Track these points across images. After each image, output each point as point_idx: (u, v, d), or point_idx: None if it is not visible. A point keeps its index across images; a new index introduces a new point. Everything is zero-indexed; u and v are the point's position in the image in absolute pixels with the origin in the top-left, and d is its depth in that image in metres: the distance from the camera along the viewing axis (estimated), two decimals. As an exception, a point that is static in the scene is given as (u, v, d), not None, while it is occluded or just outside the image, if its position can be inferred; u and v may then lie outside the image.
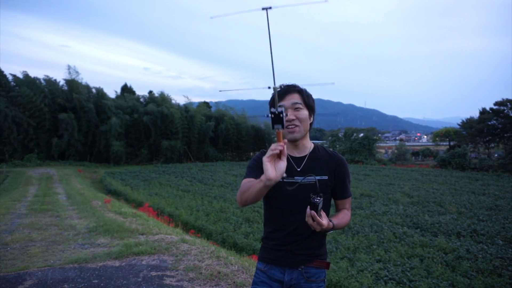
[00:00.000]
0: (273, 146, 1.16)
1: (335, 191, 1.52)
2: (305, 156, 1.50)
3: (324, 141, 38.90)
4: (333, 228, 1.37)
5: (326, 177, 1.47)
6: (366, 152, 31.03)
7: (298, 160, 1.49)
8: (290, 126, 1.43)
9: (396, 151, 35.32)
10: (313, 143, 1.56)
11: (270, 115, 1.15)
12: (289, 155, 1.49)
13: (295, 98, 1.44)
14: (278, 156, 1.17)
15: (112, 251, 3.93)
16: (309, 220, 1.26)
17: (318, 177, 1.44)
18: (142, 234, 4.85)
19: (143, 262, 3.58)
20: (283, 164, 1.17)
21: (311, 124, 1.52)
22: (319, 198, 1.27)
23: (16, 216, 6.61)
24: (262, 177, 1.18)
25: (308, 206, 1.25)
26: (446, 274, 5.00)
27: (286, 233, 1.48)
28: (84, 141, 27.15)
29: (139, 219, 6.21)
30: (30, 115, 25.07)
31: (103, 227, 5.24)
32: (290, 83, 1.51)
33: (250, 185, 1.32)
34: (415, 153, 39.57)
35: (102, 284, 3.01)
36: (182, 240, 4.43)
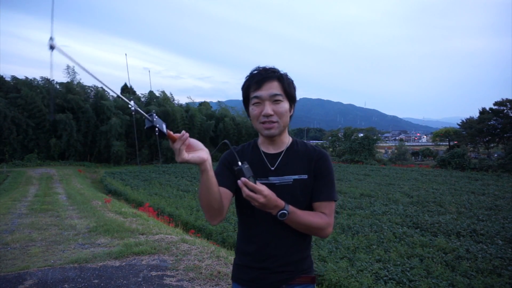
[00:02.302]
0: (176, 146, 0.98)
1: (312, 191, 1.24)
2: (281, 152, 1.27)
3: (324, 141, 38.90)
4: (288, 213, 1.10)
5: (305, 177, 1.23)
6: (366, 152, 31.06)
7: (273, 157, 1.26)
8: (267, 122, 1.20)
9: (396, 151, 35.35)
10: (291, 137, 1.33)
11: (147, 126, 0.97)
12: (263, 151, 1.28)
13: (274, 87, 1.18)
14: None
15: (112, 251, 3.93)
16: (244, 190, 1.05)
17: (296, 177, 1.22)
18: (142, 234, 4.85)
19: (143, 262, 3.58)
20: (193, 140, 1.04)
21: (291, 116, 1.27)
22: (240, 163, 1.09)
23: (17, 216, 6.61)
24: (201, 167, 1.03)
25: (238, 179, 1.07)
26: (445, 274, 5.01)
27: (259, 246, 1.24)
28: (83, 141, 27.17)
29: (139, 219, 6.22)
30: (29, 116, 25.11)
31: (103, 227, 5.24)
32: (268, 66, 1.23)
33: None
34: (415, 153, 39.63)
35: (102, 284, 3.02)
36: (182, 240, 4.43)
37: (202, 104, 38.21)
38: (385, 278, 4.86)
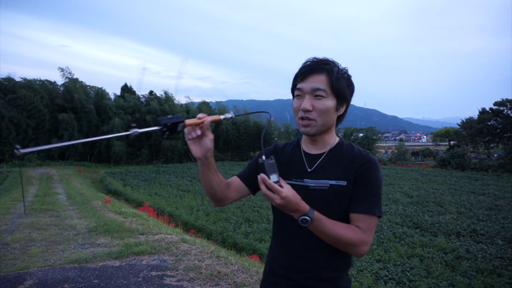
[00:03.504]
0: (186, 130, 1.06)
1: (350, 200, 1.08)
2: (323, 153, 1.14)
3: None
4: (311, 220, 0.98)
5: (344, 183, 1.08)
6: (366, 152, 31.13)
7: (313, 158, 1.15)
8: (304, 119, 1.09)
9: (396, 151, 35.37)
10: (339, 138, 1.20)
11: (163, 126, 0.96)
12: (304, 151, 1.18)
13: (319, 81, 1.06)
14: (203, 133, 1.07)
15: (112, 251, 3.93)
16: (261, 188, 0.96)
17: (333, 182, 1.08)
18: (142, 234, 4.85)
19: (143, 262, 3.58)
20: (206, 140, 1.07)
21: (341, 116, 1.15)
22: (264, 158, 0.98)
23: (16, 216, 6.61)
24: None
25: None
26: (445, 274, 5.01)
27: (286, 253, 1.15)
28: (84, 141, 27.18)
29: (139, 219, 6.21)
30: (29, 116, 25.12)
31: (103, 227, 5.24)
32: (321, 57, 1.11)
33: None
34: (415, 153, 39.65)
35: (102, 284, 3.02)
36: (182, 240, 4.43)
37: (202, 104, 38.28)
38: (385, 278, 4.86)
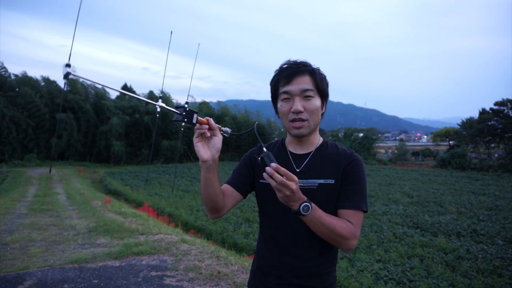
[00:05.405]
0: (197, 126, 1.04)
1: (338, 197, 1.13)
2: (309, 153, 1.18)
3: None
4: (311, 207, 0.98)
5: (331, 181, 1.12)
6: (366, 152, 31.09)
7: (299, 158, 1.18)
8: (296, 120, 1.11)
9: (396, 151, 35.38)
10: (322, 138, 1.23)
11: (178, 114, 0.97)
12: (290, 151, 1.20)
13: (306, 82, 1.09)
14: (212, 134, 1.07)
15: (112, 251, 3.93)
16: (276, 177, 0.91)
17: (321, 181, 1.12)
18: (142, 234, 4.85)
19: (143, 262, 3.58)
20: (217, 140, 1.07)
21: (322, 114, 1.18)
22: (266, 150, 0.98)
23: (16, 216, 6.61)
24: (200, 161, 1.06)
25: (264, 168, 0.93)
26: (446, 274, 5.00)
27: (277, 252, 1.16)
28: (83, 141, 27.19)
29: (139, 219, 6.21)
30: (29, 115, 25.11)
31: (103, 227, 5.24)
32: (299, 60, 1.15)
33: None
34: (415, 153, 39.62)
35: (102, 284, 3.01)
36: (182, 240, 4.42)
37: (202, 104, 38.25)
38: (385, 278, 4.85)
